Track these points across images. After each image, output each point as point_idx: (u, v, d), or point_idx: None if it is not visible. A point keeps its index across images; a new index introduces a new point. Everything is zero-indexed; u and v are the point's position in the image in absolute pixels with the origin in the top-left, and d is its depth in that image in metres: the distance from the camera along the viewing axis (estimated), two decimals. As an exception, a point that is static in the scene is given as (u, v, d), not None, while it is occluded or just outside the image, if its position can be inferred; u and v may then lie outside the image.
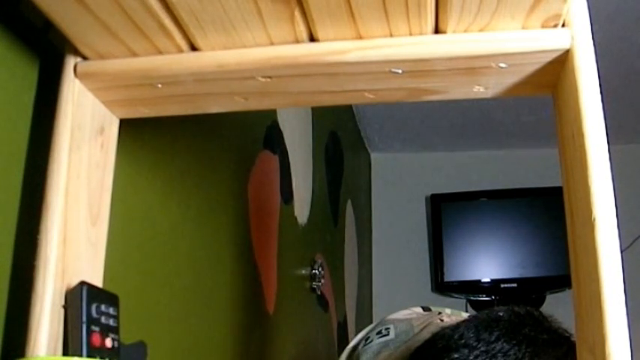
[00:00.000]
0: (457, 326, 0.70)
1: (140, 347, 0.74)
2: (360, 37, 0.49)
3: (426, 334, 0.79)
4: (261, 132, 1.29)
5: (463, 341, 0.68)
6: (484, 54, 0.48)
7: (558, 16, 0.47)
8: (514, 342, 0.66)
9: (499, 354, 0.66)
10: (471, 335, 0.68)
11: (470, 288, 2.50)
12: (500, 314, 0.70)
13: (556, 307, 0.74)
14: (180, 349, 0.87)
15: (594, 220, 0.42)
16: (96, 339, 0.47)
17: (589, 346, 0.43)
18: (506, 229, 2.51)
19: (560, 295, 2.35)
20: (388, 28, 0.48)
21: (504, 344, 0.66)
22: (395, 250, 2.64)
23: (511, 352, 0.66)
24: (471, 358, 0.66)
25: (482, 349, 0.66)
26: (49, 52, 0.58)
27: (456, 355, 0.67)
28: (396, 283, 2.56)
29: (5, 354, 0.51)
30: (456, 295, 2.52)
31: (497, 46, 0.48)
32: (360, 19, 0.47)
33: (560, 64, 0.48)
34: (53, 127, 0.52)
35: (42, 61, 0.58)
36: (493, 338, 0.67)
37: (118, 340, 0.50)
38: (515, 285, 2.43)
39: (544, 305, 2.37)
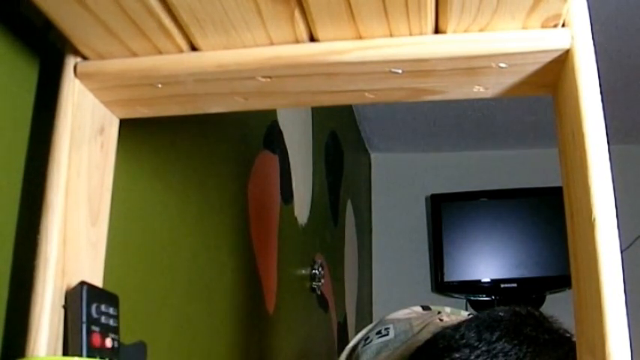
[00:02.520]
0: (458, 326, 0.70)
1: (140, 347, 0.74)
2: (360, 37, 0.49)
3: (425, 334, 0.79)
4: (261, 132, 1.29)
5: (464, 341, 0.68)
6: (484, 54, 0.48)
7: (558, 16, 0.47)
8: (515, 342, 0.66)
9: (500, 354, 0.66)
10: (473, 335, 0.68)
11: (470, 288, 2.50)
12: (502, 314, 0.70)
13: (556, 307, 0.74)
14: (180, 349, 0.87)
15: (594, 220, 0.42)
16: (96, 339, 0.47)
17: (589, 347, 0.43)
18: (506, 229, 2.51)
19: (560, 295, 2.35)
20: (388, 28, 0.48)
21: (506, 344, 0.66)
22: (395, 250, 2.64)
23: (512, 352, 0.66)
24: (472, 357, 0.66)
25: (484, 348, 0.66)
26: (49, 52, 0.58)
27: (457, 355, 0.67)
28: (396, 283, 2.56)
29: (5, 354, 0.51)
30: (456, 295, 2.52)
31: (497, 46, 0.48)
32: (360, 19, 0.47)
33: (560, 64, 0.48)
34: (53, 127, 0.52)
35: (42, 61, 0.58)
36: (494, 338, 0.67)
37: (118, 340, 0.50)
38: (515, 285, 2.43)
39: (544, 305, 2.37)
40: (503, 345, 0.66)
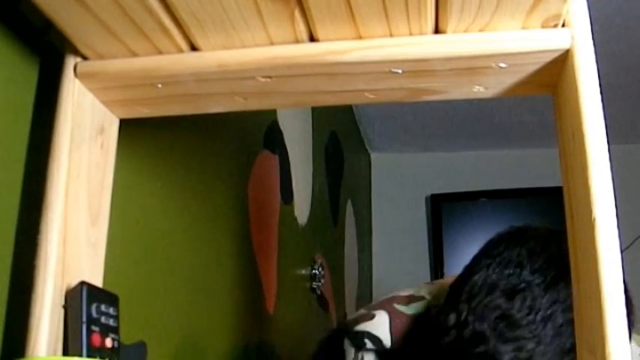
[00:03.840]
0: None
1: (140, 347, 0.74)
2: (360, 37, 0.49)
3: None
4: (261, 132, 1.29)
5: (496, 251, 0.80)
6: (484, 54, 0.48)
7: (558, 16, 0.47)
8: (513, 247, 0.77)
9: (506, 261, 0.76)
10: (502, 246, 0.80)
11: (470, 288, 2.50)
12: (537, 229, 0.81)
13: (556, 307, 0.74)
14: (180, 349, 0.87)
15: (594, 220, 0.42)
16: (96, 339, 0.47)
17: (589, 347, 0.43)
18: (506, 229, 2.50)
19: (560, 295, 2.35)
20: (388, 28, 0.48)
21: (507, 251, 0.78)
22: (395, 250, 2.64)
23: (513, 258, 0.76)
24: (492, 265, 0.77)
25: (498, 260, 0.78)
26: (49, 52, 0.58)
27: (487, 261, 0.79)
28: (396, 282, 2.55)
29: (5, 354, 0.51)
30: (456, 295, 2.51)
31: (497, 46, 0.48)
32: (360, 19, 0.47)
33: (560, 64, 0.48)
34: (53, 127, 0.52)
35: (42, 61, 0.58)
36: (502, 249, 0.79)
37: (118, 340, 0.50)
38: (515, 285, 2.43)
39: (544, 305, 2.36)
40: (513, 253, 0.77)
